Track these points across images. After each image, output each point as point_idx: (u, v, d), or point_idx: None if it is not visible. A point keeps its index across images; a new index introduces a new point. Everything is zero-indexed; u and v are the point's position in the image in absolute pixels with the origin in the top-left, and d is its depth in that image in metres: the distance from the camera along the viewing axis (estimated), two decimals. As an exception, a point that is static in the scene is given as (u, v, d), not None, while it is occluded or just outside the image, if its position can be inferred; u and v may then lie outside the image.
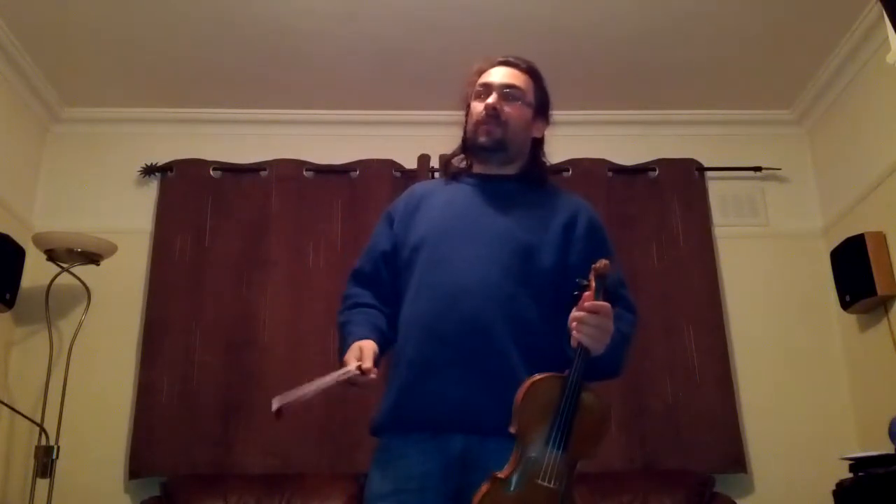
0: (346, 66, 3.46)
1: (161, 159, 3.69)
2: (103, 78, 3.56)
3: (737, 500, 3.06)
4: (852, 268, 3.20)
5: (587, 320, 1.50)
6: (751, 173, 3.76)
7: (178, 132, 3.77)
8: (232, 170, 3.70)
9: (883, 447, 2.67)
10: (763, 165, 3.76)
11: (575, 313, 1.52)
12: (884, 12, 2.18)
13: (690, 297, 3.50)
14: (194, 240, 3.55)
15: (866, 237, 3.17)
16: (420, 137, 3.56)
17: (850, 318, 3.40)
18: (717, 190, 3.76)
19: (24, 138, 3.58)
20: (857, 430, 3.37)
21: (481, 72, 1.86)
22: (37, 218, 3.60)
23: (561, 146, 3.64)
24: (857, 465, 2.66)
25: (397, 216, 1.86)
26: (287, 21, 3.17)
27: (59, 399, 3.15)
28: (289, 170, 3.68)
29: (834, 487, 2.71)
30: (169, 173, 3.69)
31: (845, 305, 3.29)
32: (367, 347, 1.62)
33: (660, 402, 3.34)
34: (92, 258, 3.27)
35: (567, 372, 1.51)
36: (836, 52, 3.38)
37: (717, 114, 3.82)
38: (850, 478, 2.67)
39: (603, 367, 1.59)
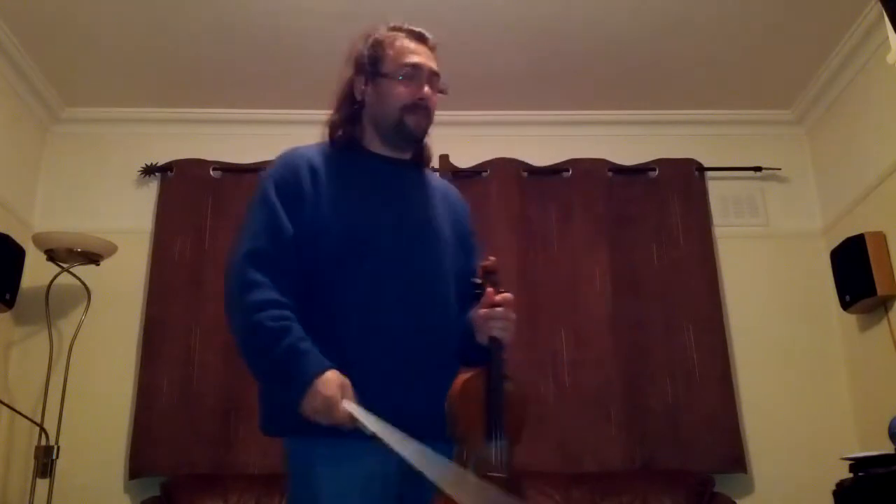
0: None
1: (161, 159, 3.69)
2: (103, 78, 3.56)
3: (737, 500, 3.06)
4: (852, 268, 3.19)
5: (496, 315, 1.55)
6: (751, 173, 3.76)
7: (178, 132, 3.77)
8: (232, 170, 3.69)
9: (883, 447, 2.67)
10: (763, 165, 3.76)
11: (483, 311, 1.56)
12: (884, 12, 2.18)
13: (690, 297, 3.49)
14: (194, 240, 3.54)
15: (866, 237, 3.17)
16: (419, 137, 3.55)
17: (850, 318, 3.40)
18: (717, 190, 3.76)
19: (24, 138, 3.58)
20: (857, 430, 3.37)
21: (395, 41, 1.76)
22: (37, 218, 3.60)
23: (561, 146, 3.70)
24: (857, 465, 2.66)
25: (291, 192, 1.67)
26: (287, 21, 3.17)
27: (59, 399, 3.15)
28: (289, 170, 3.67)
29: (834, 487, 2.70)
30: (169, 173, 3.68)
31: (845, 305, 3.29)
32: (347, 385, 1.45)
33: (660, 402, 3.34)
34: (92, 258, 3.27)
35: (488, 367, 1.55)
36: (836, 52, 3.38)
37: (717, 114, 3.82)
38: (850, 478, 2.67)
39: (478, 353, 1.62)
